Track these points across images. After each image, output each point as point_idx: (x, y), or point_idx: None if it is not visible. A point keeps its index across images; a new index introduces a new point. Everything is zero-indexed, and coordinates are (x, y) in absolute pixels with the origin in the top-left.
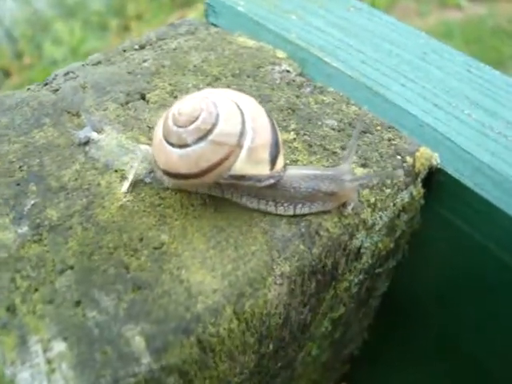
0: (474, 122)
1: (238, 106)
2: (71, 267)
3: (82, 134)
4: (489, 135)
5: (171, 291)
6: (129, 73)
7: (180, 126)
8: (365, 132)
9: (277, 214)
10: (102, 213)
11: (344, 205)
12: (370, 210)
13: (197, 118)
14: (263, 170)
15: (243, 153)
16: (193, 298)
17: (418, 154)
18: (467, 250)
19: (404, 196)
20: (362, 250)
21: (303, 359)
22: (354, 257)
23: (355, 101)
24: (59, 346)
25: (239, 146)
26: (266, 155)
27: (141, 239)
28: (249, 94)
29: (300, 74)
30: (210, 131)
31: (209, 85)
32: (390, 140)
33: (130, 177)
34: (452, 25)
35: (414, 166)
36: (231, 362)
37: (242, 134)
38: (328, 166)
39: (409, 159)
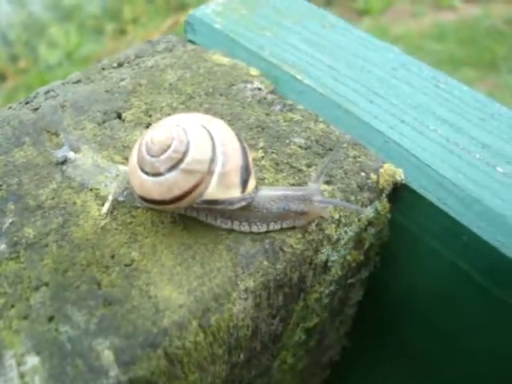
0: (439, 137)
1: (209, 132)
2: (46, 284)
3: (59, 154)
4: (453, 151)
5: (140, 307)
6: (106, 91)
7: (153, 156)
8: (330, 149)
9: (251, 232)
10: (77, 231)
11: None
12: (334, 225)
13: (169, 147)
14: (234, 193)
15: (214, 178)
16: (160, 312)
17: (382, 170)
18: (432, 263)
19: (369, 211)
20: (330, 264)
21: (279, 367)
22: (322, 270)
23: (324, 118)
24: (32, 360)
25: (210, 172)
26: (236, 179)
27: (112, 256)
28: (220, 112)
29: (271, 92)
30: (181, 160)
31: (182, 104)
32: (355, 157)
33: (110, 198)
34: (446, 26)
35: (378, 182)
36: (201, 372)
37: (212, 160)
38: (298, 185)
39: (373, 176)
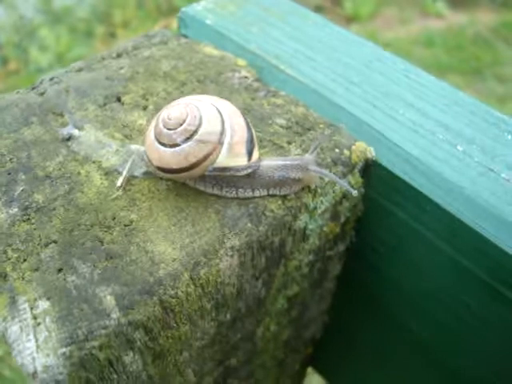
0: (407, 120)
1: (217, 109)
2: (55, 241)
3: (65, 131)
4: (419, 132)
5: (138, 260)
6: (107, 78)
7: (170, 129)
8: (309, 129)
9: (253, 197)
10: (81, 197)
11: None
12: (311, 195)
13: (184, 121)
14: (242, 161)
15: (224, 148)
16: (155, 265)
17: (354, 147)
18: (403, 234)
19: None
20: (308, 232)
21: (263, 334)
22: (301, 237)
23: (304, 103)
24: (44, 304)
25: (220, 142)
26: (243, 150)
27: (113, 218)
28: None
29: (257, 80)
30: (195, 132)
31: (177, 89)
32: (330, 135)
33: (124, 173)
34: (433, 33)
35: (350, 157)
36: (191, 325)
37: (222, 132)
38: (296, 156)
39: (346, 152)
